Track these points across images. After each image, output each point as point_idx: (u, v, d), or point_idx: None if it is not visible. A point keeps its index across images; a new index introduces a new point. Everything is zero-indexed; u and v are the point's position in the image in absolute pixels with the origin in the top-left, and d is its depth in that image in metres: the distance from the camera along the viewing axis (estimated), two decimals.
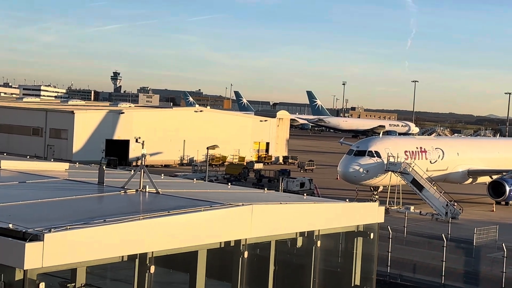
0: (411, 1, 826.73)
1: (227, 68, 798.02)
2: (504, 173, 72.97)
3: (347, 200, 22.41)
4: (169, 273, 21.52)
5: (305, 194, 23.44)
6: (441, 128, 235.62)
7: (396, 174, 63.73)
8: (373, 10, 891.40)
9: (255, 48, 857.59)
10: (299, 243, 20.71)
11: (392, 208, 62.66)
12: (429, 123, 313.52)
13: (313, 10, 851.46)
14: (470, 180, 74.69)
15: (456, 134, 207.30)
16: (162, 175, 27.42)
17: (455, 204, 63.06)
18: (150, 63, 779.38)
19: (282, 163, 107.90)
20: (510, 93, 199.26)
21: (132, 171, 22.43)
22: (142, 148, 20.90)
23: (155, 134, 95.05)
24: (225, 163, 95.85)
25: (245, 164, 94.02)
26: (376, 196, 65.14)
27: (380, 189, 67.11)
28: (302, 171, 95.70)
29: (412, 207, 61.59)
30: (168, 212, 17.03)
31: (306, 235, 20.51)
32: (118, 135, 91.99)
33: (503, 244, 38.78)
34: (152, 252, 16.51)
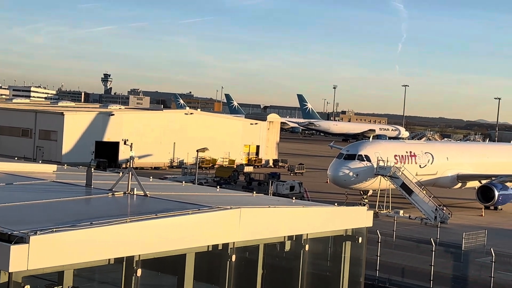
0: (402, 6, 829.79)
1: (218, 70, 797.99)
2: (493, 178, 73.21)
3: (336, 204, 22.36)
4: (157, 276, 21.40)
5: (294, 198, 23.39)
6: (431, 132, 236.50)
7: (385, 178, 63.82)
8: (364, 15, 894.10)
9: (246, 51, 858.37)
10: (288, 247, 20.66)
11: (381, 212, 62.76)
12: (419, 127, 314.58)
13: (304, 14, 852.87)
14: (459, 184, 74.90)
15: (445, 139, 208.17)
16: (151, 177, 27.31)
17: (444, 208, 63.22)
18: (141, 65, 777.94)
19: (272, 166, 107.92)
20: (499, 98, 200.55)
21: (121, 173, 22.28)
22: (130, 150, 20.79)
23: (145, 136, 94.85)
24: (215, 166, 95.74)
25: (235, 167, 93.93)
26: (366, 200, 65.22)
27: (370, 193, 67.19)
28: (292, 174, 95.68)
29: (401, 211, 61.69)
30: (156, 215, 16.94)
31: (294, 239, 20.47)
32: (108, 137, 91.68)
33: (492, 249, 38.85)
34: (139, 255, 16.41)
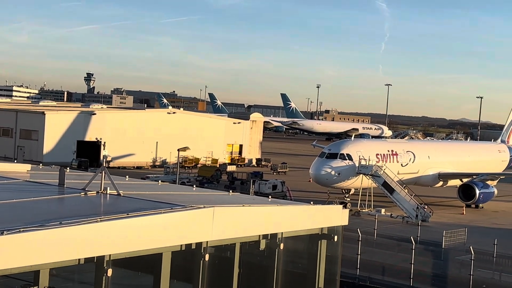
0: (385, 5, 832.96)
1: (202, 70, 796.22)
2: (474, 177, 73.63)
3: (312, 202, 22.23)
4: (134, 276, 21.20)
5: (270, 197, 23.26)
6: (414, 131, 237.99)
7: (367, 177, 63.93)
8: (347, 14, 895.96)
9: (230, 51, 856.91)
10: (263, 245, 20.52)
11: (363, 210, 62.88)
12: (402, 126, 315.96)
13: (288, 14, 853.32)
14: (440, 183, 75.22)
15: (428, 138, 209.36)
16: (127, 176, 27.05)
17: (426, 207, 63.42)
18: (124, 65, 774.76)
19: (255, 165, 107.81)
20: (481, 97, 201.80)
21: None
22: (103, 149, 20.51)
23: (127, 135, 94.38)
24: (198, 165, 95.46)
25: (218, 166, 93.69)
26: (348, 199, 65.31)
27: (352, 191, 67.27)
28: (275, 173, 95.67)
29: (383, 210, 61.83)
30: (127, 214, 16.72)
31: (269, 238, 20.33)
32: (90, 137, 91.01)
33: (471, 247, 38.99)
34: (110, 255, 16.19)
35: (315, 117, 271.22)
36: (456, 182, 74.36)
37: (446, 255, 45.42)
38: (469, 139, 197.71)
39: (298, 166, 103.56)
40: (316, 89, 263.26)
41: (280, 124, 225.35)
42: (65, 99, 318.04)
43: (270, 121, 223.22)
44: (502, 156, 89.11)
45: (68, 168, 26.16)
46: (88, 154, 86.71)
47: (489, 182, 73.43)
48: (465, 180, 73.05)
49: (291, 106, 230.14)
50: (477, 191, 69.06)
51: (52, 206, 18.88)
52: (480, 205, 71.68)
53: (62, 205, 19.24)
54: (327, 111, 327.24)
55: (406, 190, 64.25)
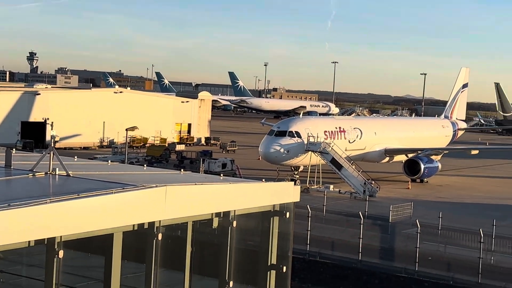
0: None
1: (149, 48, 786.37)
2: (419, 152, 75.25)
3: (263, 180, 22.35)
4: (85, 257, 20.97)
5: (221, 175, 23.26)
6: (360, 108, 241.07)
7: (316, 154, 64.63)
8: None
9: (177, 29, 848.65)
10: (215, 223, 20.53)
11: (312, 187, 63.61)
12: (349, 103, 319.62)
13: None
14: (387, 159, 76.63)
15: (374, 114, 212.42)
16: (76, 157, 26.61)
17: (373, 182, 64.60)
18: (68, 43, 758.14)
19: (204, 144, 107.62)
20: (425, 74, 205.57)
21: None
22: (51, 129, 20.12)
23: (73, 115, 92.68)
24: (146, 145, 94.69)
25: (166, 145, 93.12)
26: (297, 176, 65.93)
27: (301, 168, 67.91)
28: (224, 152, 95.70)
29: (331, 186, 62.68)
30: (78, 195, 16.46)
31: (222, 216, 20.34)
32: (34, 117, 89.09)
33: (417, 221, 40.03)
34: (61, 236, 15.95)
35: (263, 95, 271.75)
36: (402, 158, 75.89)
37: (393, 229, 46.55)
38: (413, 115, 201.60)
39: (247, 144, 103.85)
40: (264, 67, 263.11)
41: (228, 103, 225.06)
42: (7, 79, 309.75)
43: (219, 99, 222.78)
44: (446, 132, 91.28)
45: (14, 149, 25.54)
46: (33, 135, 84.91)
47: (433, 157, 75.20)
48: (410, 155, 74.59)
49: (239, 85, 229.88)
50: (422, 166, 70.63)
51: None
52: (425, 179, 73.40)
53: (9, 186, 18.78)
54: (275, 89, 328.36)
55: (353, 166, 65.26)
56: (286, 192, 21.55)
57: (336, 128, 69.90)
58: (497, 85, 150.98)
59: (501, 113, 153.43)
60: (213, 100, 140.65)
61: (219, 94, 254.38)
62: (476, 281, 36.46)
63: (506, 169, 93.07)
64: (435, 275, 37.55)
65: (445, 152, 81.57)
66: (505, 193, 70.43)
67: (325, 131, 67.55)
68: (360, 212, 43.33)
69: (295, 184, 23.38)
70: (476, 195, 68.10)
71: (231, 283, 20.78)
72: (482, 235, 37.84)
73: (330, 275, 40.18)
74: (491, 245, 40.78)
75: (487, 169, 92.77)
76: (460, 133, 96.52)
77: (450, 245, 42.16)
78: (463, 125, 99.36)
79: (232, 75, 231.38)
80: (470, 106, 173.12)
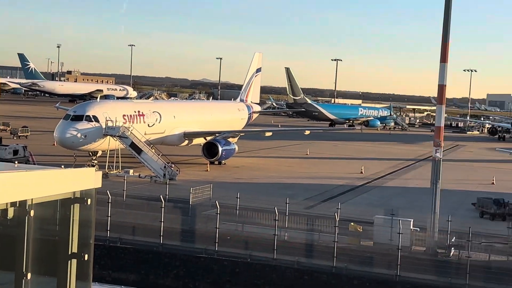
0: None
1: None
2: (217, 135, 77.18)
3: (62, 166, 21.51)
4: None
5: (16, 162, 21.96)
6: (158, 92, 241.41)
7: (114, 138, 63.58)
8: None
9: None
10: (11, 214, 19.34)
11: (111, 172, 62.57)
12: (147, 87, 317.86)
13: None
14: (186, 142, 77.61)
15: (172, 98, 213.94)
16: None
17: (173, 165, 65.13)
18: None
19: None
20: (221, 58, 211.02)
21: None
22: None
23: None
24: None
25: None
26: (95, 161, 64.40)
27: (99, 153, 66.42)
28: (15, 138, 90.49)
29: (131, 171, 62.16)
30: None
31: (18, 205, 19.17)
32: None
33: (216, 202, 41.13)
34: None
35: (56, 78, 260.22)
36: (201, 141, 77.34)
37: (194, 211, 47.40)
38: (211, 98, 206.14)
39: (41, 129, 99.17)
40: (57, 49, 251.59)
41: (18, 86, 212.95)
42: None
43: (8, 82, 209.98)
44: (242, 114, 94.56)
45: None
46: None
47: (230, 140, 77.61)
48: (208, 138, 76.25)
49: (30, 67, 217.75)
50: (220, 149, 72.58)
51: None
52: (223, 161, 75.58)
53: None
54: (69, 72, 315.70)
55: (153, 150, 65.25)
56: (87, 179, 20.87)
57: (135, 112, 69.24)
58: (287, 70, 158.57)
59: (292, 96, 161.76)
60: (1, 83, 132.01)
61: (8, 77, 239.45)
62: (272, 257, 38.41)
63: (296, 150, 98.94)
64: (234, 254, 38.92)
65: (241, 134, 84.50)
66: (296, 173, 74.87)
67: (124, 115, 66.61)
68: (161, 196, 43.52)
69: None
70: (270, 175, 71.60)
71: (28, 275, 19.80)
72: (277, 213, 39.89)
73: (132, 260, 39.97)
74: (285, 222, 43.25)
75: (280, 150, 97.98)
76: (255, 116, 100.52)
77: (248, 224, 43.97)
78: (258, 108, 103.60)
79: (22, 57, 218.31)
80: (263, 90, 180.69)
